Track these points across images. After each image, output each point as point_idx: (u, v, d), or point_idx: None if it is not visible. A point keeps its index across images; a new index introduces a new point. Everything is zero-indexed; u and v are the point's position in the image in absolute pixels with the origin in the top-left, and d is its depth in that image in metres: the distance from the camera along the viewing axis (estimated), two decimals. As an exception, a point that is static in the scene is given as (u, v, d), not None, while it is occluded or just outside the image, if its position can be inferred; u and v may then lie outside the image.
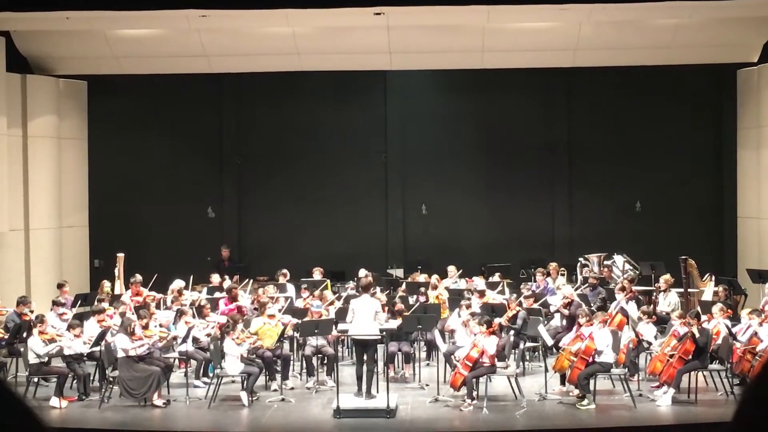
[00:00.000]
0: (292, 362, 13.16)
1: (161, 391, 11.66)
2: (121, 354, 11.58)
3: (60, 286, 14.53)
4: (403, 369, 13.23)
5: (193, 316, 13.35)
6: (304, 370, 12.81)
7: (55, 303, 13.65)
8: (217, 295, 14.71)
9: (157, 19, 14.86)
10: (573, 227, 18.91)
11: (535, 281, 15.58)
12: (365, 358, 11.38)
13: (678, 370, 11.34)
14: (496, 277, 16.03)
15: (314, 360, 12.68)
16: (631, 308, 13.21)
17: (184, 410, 11.58)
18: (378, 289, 13.95)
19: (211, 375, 12.27)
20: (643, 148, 18.74)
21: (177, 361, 12.84)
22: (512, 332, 12.81)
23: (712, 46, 16.26)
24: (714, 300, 13.61)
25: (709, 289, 14.61)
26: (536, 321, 12.72)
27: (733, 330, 12.03)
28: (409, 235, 19.20)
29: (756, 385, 1.48)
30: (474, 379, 11.26)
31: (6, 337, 12.67)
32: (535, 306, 13.50)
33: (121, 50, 16.18)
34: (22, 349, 12.10)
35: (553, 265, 16.22)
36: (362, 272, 14.77)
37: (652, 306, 13.73)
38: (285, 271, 15.66)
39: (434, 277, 15.50)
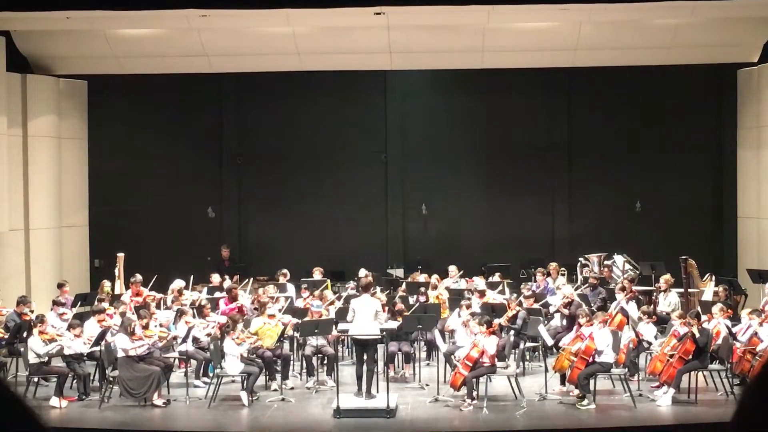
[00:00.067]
0: (292, 362, 13.16)
1: (161, 390, 11.66)
2: (121, 354, 11.58)
3: (60, 285, 14.53)
4: (403, 369, 13.23)
5: (194, 316, 13.35)
6: (304, 370, 12.81)
7: (55, 303, 13.65)
8: (217, 295, 14.71)
9: (157, 18, 14.86)
10: (573, 227, 18.92)
11: (535, 281, 15.58)
12: (365, 357, 11.38)
13: (678, 370, 11.34)
14: (496, 277, 16.04)
15: (314, 360, 12.68)
16: (631, 308, 13.21)
17: (184, 410, 11.58)
18: (378, 289, 13.95)
19: (211, 375, 12.27)
20: (643, 148, 18.74)
21: (177, 360, 12.84)
22: (512, 332, 12.81)
23: (712, 46, 16.26)
24: (714, 300, 13.61)
25: (709, 289, 14.61)
26: (536, 321, 12.72)
27: (733, 330, 12.04)
28: (409, 235, 19.20)
29: (756, 385, 1.48)
30: (474, 379, 11.26)
31: (6, 336, 12.67)
32: (536, 306, 13.50)
33: (121, 50, 16.18)
34: (22, 349, 12.10)
35: (553, 265, 16.22)
36: (362, 272, 14.78)
37: (652, 306, 13.73)
38: (285, 271, 15.67)
39: (434, 277, 15.51)
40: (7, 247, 15.71)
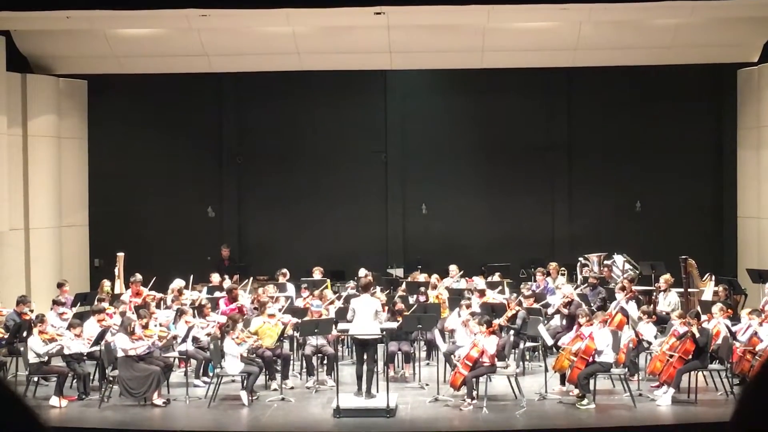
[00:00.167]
0: (292, 362, 13.17)
1: (161, 390, 11.66)
2: (120, 353, 11.59)
3: (60, 285, 14.53)
4: (403, 369, 13.23)
5: (194, 316, 13.35)
6: (304, 370, 12.81)
7: (55, 302, 13.65)
8: (217, 294, 14.71)
9: (158, 18, 14.85)
10: (573, 227, 18.92)
11: (535, 281, 15.58)
12: (365, 357, 11.38)
13: (678, 369, 11.34)
14: (496, 277, 16.05)
15: (314, 359, 12.68)
16: (631, 308, 13.21)
17: (184, 410, 11.58)
18: (378, 288, 13.96)
19: (211, 374, 12.27)
20: (643, 148, 18.75)
21: (177, 360, 12.84)
22: (512, 332, 12.81)
23: (712, 46, 16.26)
24: (714, 300, 13.61)
25: (709, 289, 14.61)
26: (536, 321, 12.72)
27: (733, 330, 12.04)
28: (409, 235, 19.21)
29: (755, 384, 1.48)
30: (474, 379, 11.27)
31: (6, 336, 12.67)
32: (535, 306, 13.50)
33: (121, 50, 16.18)
34: (22, 349, 12.11)
35: (553, 264, 16.23)
36: (362, 272, 14.78)
37: (652, 306, 13.73)
38: (285, 270, 15.67)
39: (434, 277, 15.53)
40: (7, 247, 15.71)
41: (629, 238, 17.74)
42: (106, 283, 15.20)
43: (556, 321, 13.76)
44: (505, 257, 17.38)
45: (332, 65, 16.95)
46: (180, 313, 13.02)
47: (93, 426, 10.87)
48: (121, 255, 15.79)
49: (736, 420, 1.45)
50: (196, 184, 19.22)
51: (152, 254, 17.62)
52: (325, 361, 12.79)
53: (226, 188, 19.37)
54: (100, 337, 11.87)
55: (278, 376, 12.35)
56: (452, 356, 11.93)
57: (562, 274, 16.20)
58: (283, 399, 11.77)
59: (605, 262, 16.36)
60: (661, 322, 13.20)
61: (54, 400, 11.57)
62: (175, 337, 12.57)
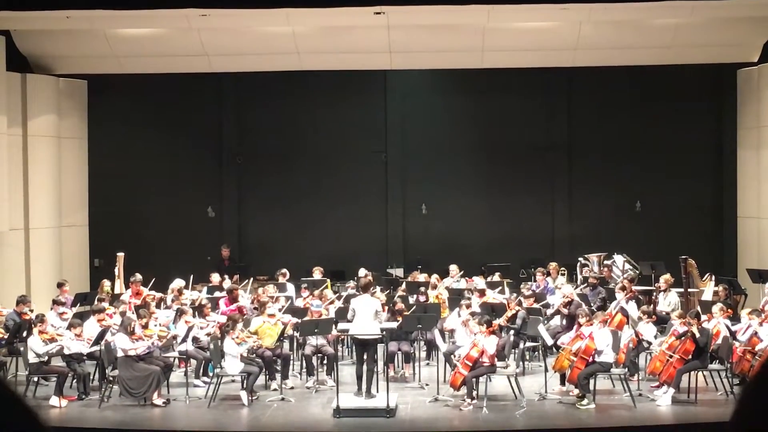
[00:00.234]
0: (292, 362, 13.17)
1: (161, 390, 11.66)
2: (120, 353, 11.58)
3: (60, 285, 14.54)
4: (402, 369, 13.23)
5: (194, 316, 13.35)
6: (304, 370, 12.81)
7: (55, 302, 13.65)
8: (217, 294, 14.71)
9: (157, 18, 14.85)
10: (573, 227, 18.92)
11: (535, 281, 15.59)
12: (365, 357, 11.37)
13: (678, 369, 11.34)
14: (496, 277, 16.06)
15: (314, 359, 12.68)
16: (631, 308, 13.21)
17: (184, 409, 11.58)
18: (378, 288, 13.96)
19: (210, 374, 12.27)
20: (643, 148, 18.74)
21: (177, 360, 12.84)
22: (512, 332, 12.81)
23: (712, 46, 16.26)
24: (714, 300, 13.61)
25: (709, 288, 14.61)
26: (536, 321, 12.72)
27: (733, 330, 12.04)
28: (409, 235, 19.21)
29: (755, 384, 1.48)
30: (474, 379, 11.27)
31: (6, 336, 12.67)
32: (536, 306, 13.50)
33: (121, 49, 16.18)
34: (22, 349, 12.10)
35: (553, 264, 16.23)
36: (362, 272, 14.78)
37: (652, 306, 13.73)
38: (284, 270, 15.67)
39: (434, 277, 15.53)
40: (7, 247, 15.71)
41: (629, 238, 17.74)
42: (106, 283, 15.20)
43: (556, 321, 13.76)
44: (505, 257, 17.39)
45: (332, 65, 16.95)
46: (180, 313, 13.02)
47: (93, 426, 10.87)
48: (121, 255, 15.79)
49: (735, 420, 1.45)
50: (196, 184, 19.21)
51: (152, 254, 17.62)
52: (325, 361, 12.79)
53: (226, 188, 19.37)
54: (100, 337, 11.87)
55: (278, 376, 12.35)
56: (452, 356, 11.93)
57: (562, 274, 16.20)
58: (283, 399, 11.77)
59: (605, 262, 16.36)
60: (661, 322, 13.20)
61: (54, 400, 11.58)
62: (174, 337, 12.57)
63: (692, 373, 11.48)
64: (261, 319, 12.77)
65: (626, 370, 11.66)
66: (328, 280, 15.59)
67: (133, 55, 16.43)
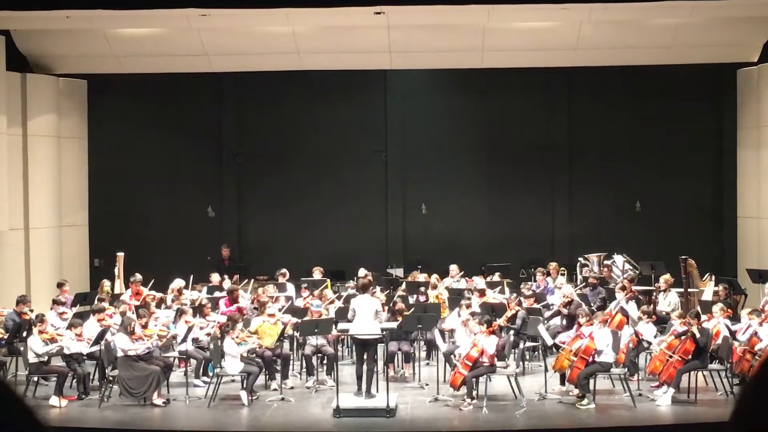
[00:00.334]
0: (291, 361, 13.17)
1: (161, 390, 11.66)
2: (120, 353, 11.58)
3: (60, 285, 14.54)
4: (402, 368, 13.23)
5: (194, 316, 13.34)
6: (304, 370, 12.81)
7: (55, 302, 13.65)
8: (217, 294, 14.72)
9: (157, 18, 14.85)
10: (573, 227, 18.92)
11: (535, 281, 15.59)
12: (365, 357, 11.37)
13: (678, 369, 11.34)
14: (496, 277, 16.06)
15: (314, 359, 12.68)
16: (631, 308, 13.21)
17: (184, 409, 11.58)
18: (378, 288, 13.97)
19: (210, 374, 12.27)
20: (643, 147, 18.74)
21: (177, 360, 12.84)
22: (512, 332, 12.81)
23: (712, 46, 16.26)
24: (714, 300, 13.61)
25: (709, 288, 14.61)
26: (536, 321, 12.72)
27: (733, 329, 12.03)
28: (409, 235, 19.21)
29: (754, 384, 1.48)
30: (474, 379, 11.27)
31: (6, 336, 12.67)
32: (536, 306, 13.50)
33: (121, 49, 16.18)
34: (21, 349, 12.10)
35: (553, 264, 16.23)
36: (362, 272, 14.77)
37: (652, 306, 13.73)
38: (284, 270, 15.68)
39: (434, 277, 15.53)
40: (7, 247, 15.71)
41: (629, 238, 17.74)
42: (106, 283, 15.21)
43: (556, 321, 13.75)
44: (505, 257, 17.39)
45: (332, 65, 16.95)
46: (180, 312, 13.02)
47: (93, 426, 10.87)
48: (121, 255, 15.79)
49: (735, 420, 1.45)
50: (196, 184, 19.21)
51: (152, 254, 17.62)
52: (325, 361, 12.79)
53: (226, 188, 19.37)
54: (100, 337, 11.88)
55: (278, 376, 12.35)
56: (452, 356, 11.93)
57: (562, 274, 16.20)
58: (283, 399, 11.77)
59: (605, 262, 16.36)
60: (661, 322, 13.20)
61: (54, 400, 11.58)
62: (174, 337, 12.57)
63: (692, 373, 11.48)
64: (261, 318, 12.77)
65: (626, 370, 11.66)
66: (328, 280, 15.59)
67: (133, 55, 16.43)
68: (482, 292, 14.17)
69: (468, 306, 12.69)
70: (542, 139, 19.05)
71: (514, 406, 11.31)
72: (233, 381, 12.21)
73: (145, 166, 18.97)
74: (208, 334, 12.90)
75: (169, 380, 12.09)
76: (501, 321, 12.69)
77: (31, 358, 11.71)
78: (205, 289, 15.16)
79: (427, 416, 11.11)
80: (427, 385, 12.43)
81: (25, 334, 12.22)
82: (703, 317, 12.08)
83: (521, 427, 10.64)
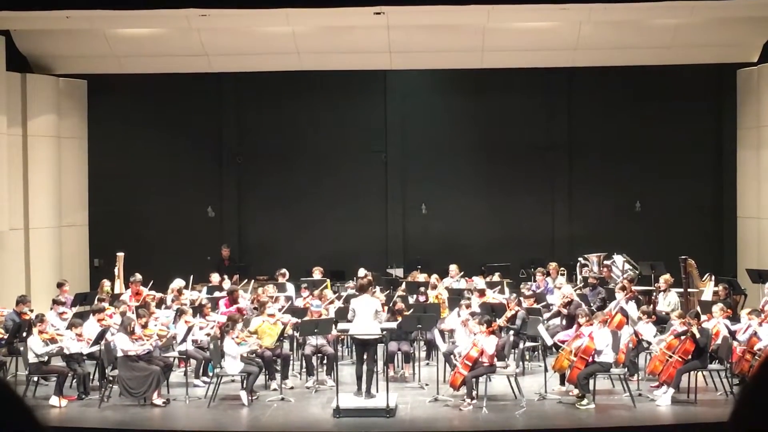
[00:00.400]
0: (291, 361, 13.17)
1: (161, 390, 11.65)
2: (120, 353, 11.58)
3: (60, 285, 14.54)
4: (402, 368, 13.23)
5: (194, 316, 13.34)
6: (304, 370, 12.81)
7: (55, 302, 13.65)
8: (217, 294, 14.72)
9: (157, 18, 14.86)
10: (573, 227, 18.92)
11: (534, 281, 15.59)
12: (365, 357, 11.37)
13: (678, 369, 11.34)
14: (496, 277, 16.05)
15: (314, 359, 12.68)
16: (631, 308, 13.21)
17: (184, 409, 11.58)
18: (378, 288, 13.96)
19: (210, 374, 12.27)
20: (642, 148, 18.74)
21: (176, 360, 12.84)
22: (511, 332, 12.80)
23: (712, 46, 16.26)
24: (714, 300, 13.61)
25: (708, 289, 14.61)
26: (536, 321, 12.71)
27: (733, 329, 12.03)
28: (409, 235, 19.20)
29: (753, 384, 1.48)
30: (473, 379, 11.26)
31: (6, 336, 12.67)
32: (536, 306, 13.49)
33: (121, 49, 16.18)
34: (21, 349, 12.10)
35: (552, 264, 16.23)
36: (361, 272, 14.77)
37: (651, 306, 13.73)
38: (284, 270, 15.68)
39: (434, 277, 15.53)
40: (6, 247, 15.71)
41: (629, 238, 17.73)
42: (106, 283, 15.20)
43: (556, 322, 13.75)
44: (505, 257, 17.38)
45: (332, 65, 16.96)
46: (180, 312, 13.02)
47: (93, 426, 10.87)
48: (120, 255, 15.79)
49: (734, 420, 1.45)
50: (196, 184, 19.21)
51: (152, 254, 17.62)
52: (324, 361, 12.79)
53: (226, 188, 19.36)
54: (100, 337, 11.88)
55: (278, 376, 12.35)
56: (452, 356, 11.93)
57: (562, 274, 16.19)
58: (282, 399, 11.77)
59: (605, 262, 16.36)
60: (661, 322, 13.20)
61: (54, 400, 11.58)
62: (174, 337, 12.57)
63: (692, 373, 11.48)
64: (261, 319, 12.77)
65: (626, 370, 11.66)
66: (328, 280, 15.59)
67: (133, 55, 16.43)
68: (482, 292, 14.17)
69: (468, 306, 12.69)
70: (542, 139, 19.04)
71: (514, 406, 11.31)
72: (233, 381, 12.21)
73: (145, 166, 18.97)
74: (208, 335, 12.89)
75: (169, 380, 12.09)
76: (501, 321, 12.69)
77: (31, 358, 11.71)
78: (205, 289, 15.16)
79: (426, 416, 11.11)
80: (426, 385, 12.43)
81: (25, 334, 12.22)
82: (703, 317, 12.08)
83: (521, 427, 10.64)
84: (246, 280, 16.18)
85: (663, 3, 13.90)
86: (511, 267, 17.03)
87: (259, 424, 10.84)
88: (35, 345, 11.69)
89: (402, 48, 16.01)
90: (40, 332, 11.83)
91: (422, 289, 14.64)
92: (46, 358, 11.81)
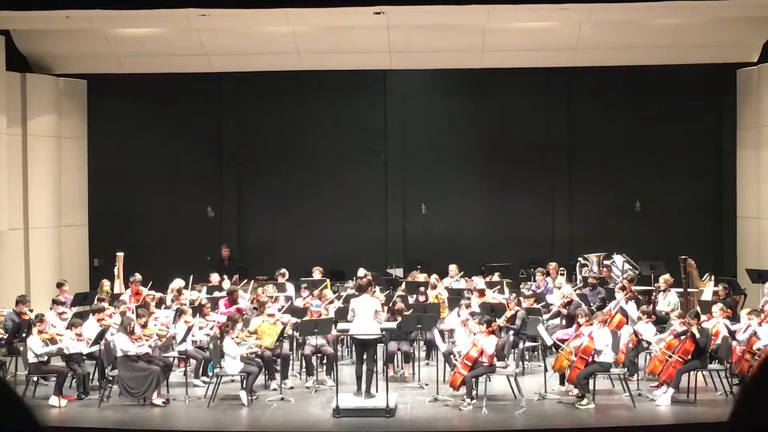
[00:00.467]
0: (291, 361, 13.17)
1: (160, 390, 11.65)
2: (120, 353, 11.58)
3: (59, 285, 14.54)
4: (402, 368, 13.23)
5: (194, 316, 13.34)
6: (304, 370, 12.81)
7: (55, 302, 13.65)
8: (216, 294, 14.72)
9: (157, 18, 14.86)
10: (573, 227, 18.92)
11: (534, 281, 15.59)
12: (365, 357, 11.37)
13: (677, 369, 11.34)
14: (495, 277, 16.05)
15: (314, 359, 12.68)
16: (631, 308, 13.21)
17: (184, 409, 11.58)
18: (378, 288, 13.96)
19: (210, 374, 12.27)
20: (642, 148, 18.74)
21: (176, 360, 12.83)
22: (511, 332, 12.81)
23: (712, 46, 16.26)
24: (714, 300, 13.61)
25: (708, 289, 14.61)
26: (536, 321, 12.71)
27: (732, 329, 12.03)
28: (409, 235, 19.20)
29: (753, 383, 1.48)
30: (473, 379, 11.26)
31: (5, 336, 12.67)
32: (535, 306, 13.49)
33: (120, 49, 16.18)
34: (21, 349, 12.10)
35: (552, 264, 16.23)
36: (361, 272, 14.77)
37: (651, 306, 13.74)
38: (283, 270, 15.68)
39: (434, 277, 15.53)
40: (6, 247, 15.71)
41: (629, 238, 17.73)
42: (106, 283, 15.20)
43: (556, 322, 13.75)
44: (505, 257, 17.38)
45: (332, 65, 16.96)
46: (180, 312, 13.02)
47: (92, 426, 10.87)
48: (120, 255, 15.79)
49: (734, 420, 1.45)
50: (196, 184, 19.21)
51: (152, 254, 17.63)
52: (324, 361, 12.79)
53: (226, 188, 19.36)
54: (100, 337, 11.87)
55: (278, 375, 12.35)
56: (451, 356, 11.93)
57: (562, 274, 16.19)
58: (282, 399, 11.77)
59: (605, 262, 16.36)
60: (661, 322, 13.20)
61: (53, 400, 11.57)
62: (173, 336, 12.57)
63: (692, 373, 11.48)
64: (260, 319, 12.77)
65: (626, 370, 11.66)
66: (328, 280, 15.59)
67: (133, 55, 16.43)
68: (482, 292, 14.17)
69: (467, 306, 12.69)
70: (542, 139, 19.04)
71: (514, 406, 11.31)
72: (233, 381, 12.21)
73: (145, 166, 18.97)
74: (208, 335, 12.89)
75: (169, 380, 12.08)
76: (500, 321, 12.69)
77: (31, 358, 11.71)
78: (204, 289, 15.16)
79: (426, 416, 11.11)
80: (426, 385, 12.43)
81: (24, 334, 12.22)
82: (703, 317, 12.08)
83: (521, 427, 10.64)
84: (246, 280, 16.18)
85: (663, 3, 13.90)
86: (510, 267, 17.03)
87: (259, 424, 10.83)
88: (35, 345, 11.69)
89: (402, 48, 16.01)
90: (40, 332, 11.83)
91: (422, 289, 14.64)
92: (45, 358, 11.81)
